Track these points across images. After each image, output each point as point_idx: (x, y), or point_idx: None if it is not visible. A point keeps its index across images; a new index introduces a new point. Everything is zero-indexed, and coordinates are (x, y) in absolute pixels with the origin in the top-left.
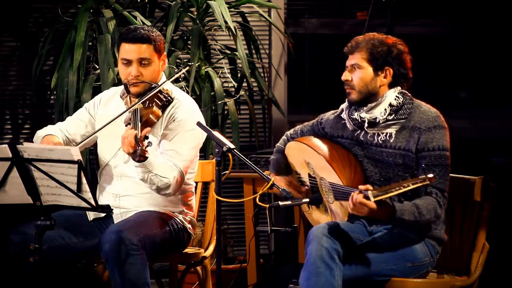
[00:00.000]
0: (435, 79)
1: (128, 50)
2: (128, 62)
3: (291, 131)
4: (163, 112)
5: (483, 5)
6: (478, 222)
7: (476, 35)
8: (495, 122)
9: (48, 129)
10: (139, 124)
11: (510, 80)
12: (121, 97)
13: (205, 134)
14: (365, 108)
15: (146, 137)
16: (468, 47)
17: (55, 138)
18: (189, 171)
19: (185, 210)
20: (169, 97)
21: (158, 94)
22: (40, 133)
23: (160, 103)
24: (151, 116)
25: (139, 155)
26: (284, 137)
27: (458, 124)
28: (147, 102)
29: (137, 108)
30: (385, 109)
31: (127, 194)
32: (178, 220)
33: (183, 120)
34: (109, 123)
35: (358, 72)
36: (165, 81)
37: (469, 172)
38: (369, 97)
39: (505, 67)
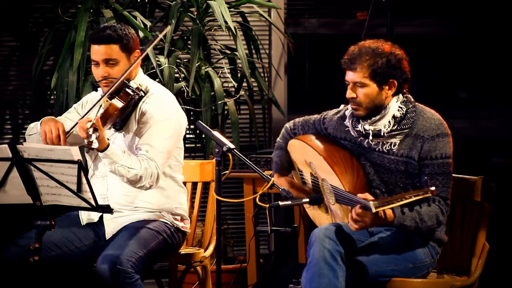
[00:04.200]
0: (435, 79)
1: (94, 51)
2: (97, 63)
3: (291, 124)
4: (135, 106)
5: (483, 5)
6: (478, 222)
7: (476, 35)
8: (495, 122)
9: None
10: (97, 115)
11: (510, 80)
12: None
13: (183, 124)
14: (369, 121)
15: (96, 130)
16: (468, 47)
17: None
18: (174, 163)
19: (175, 206)
20: (140, 91)
21: (125, 89)
22: (32, 124)
23: (126, 97)
24: (109, 108)
25: (87, 142)
26: (283, 131)
27: (458, 124)
28: (112, 96)
29: (102, 103)
30: (389, 122)
31: (113, 194)
32: (169, 224)
33: (152, 112)
34: (82, 117)
35: (362, 89)
36: (124, 73)
37: (469, 172)
38: (376, 110)
39: (505, 67)
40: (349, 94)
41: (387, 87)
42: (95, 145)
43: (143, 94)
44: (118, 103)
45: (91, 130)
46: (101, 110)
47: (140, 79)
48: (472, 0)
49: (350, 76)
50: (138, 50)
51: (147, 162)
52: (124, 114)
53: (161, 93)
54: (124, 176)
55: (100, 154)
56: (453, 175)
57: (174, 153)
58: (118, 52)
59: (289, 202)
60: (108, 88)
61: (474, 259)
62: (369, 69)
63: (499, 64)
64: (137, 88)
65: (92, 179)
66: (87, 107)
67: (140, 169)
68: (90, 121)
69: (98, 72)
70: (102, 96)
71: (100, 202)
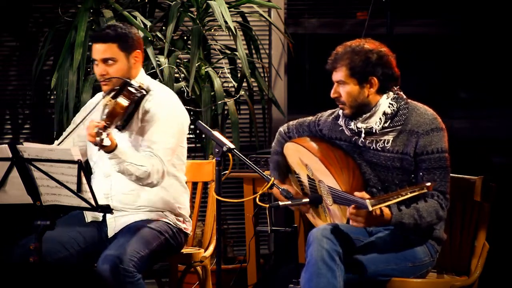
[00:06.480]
0: (435, 79)
1: (93, 50)
2: (97, 62)
3: (285, 128)
4: (137, 105)
5: (483, 5)
6: (478, 222)
7: (476, 35)
8: (495, 122)
9: None
10: (104, 116)
11: (510, 80)
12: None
13: (186, 122)
14: (360, 119)
15: (106, 127)
16: (468, 47)
17: None
18: (177, 162)
19: (178, 206)
20: (142, 90)
21: (128, 87)
22: None
23: (130, 96)
24: (115, 107)
25: (98, 144)
26: (278, 136)
27: (458, 124)
28: (116, 95)
29: (106, 103)
30: (380, 119)
31: (117, 193)
32: (172, 224)
33: (155, 110)
34: (82, 121)
35: (344, 88)
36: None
37: (469, 172)
38: (362, 108)
39: (505, 67)
40: (333, 93)
41: (367, 85)
42: (107, 142)
43: (145, 93)
44: (123, 101)
45: (98, 131)
46: (106, 110)
47: (142, 79)
48: (472, 0)
49: (333, 75)
50: (138, 50)
51: (153, 159)
52: (127, 113)
53: (163, 92)
54: (133, 174)
55: (108, 155)
56: (453, 175)
57: (177, 152)
58: (117, 51)
59: (289, 202)
60: (108, 87)
61: (474, 259)
62: (347, 67)
63: (499, 64)
64: (139, 86)
65: (94, 179)
66: (88, 110)
67: (148, 165)
68: (97, 124)
69: (97, 71)
70: (104, 96)
71: (103, 202)
